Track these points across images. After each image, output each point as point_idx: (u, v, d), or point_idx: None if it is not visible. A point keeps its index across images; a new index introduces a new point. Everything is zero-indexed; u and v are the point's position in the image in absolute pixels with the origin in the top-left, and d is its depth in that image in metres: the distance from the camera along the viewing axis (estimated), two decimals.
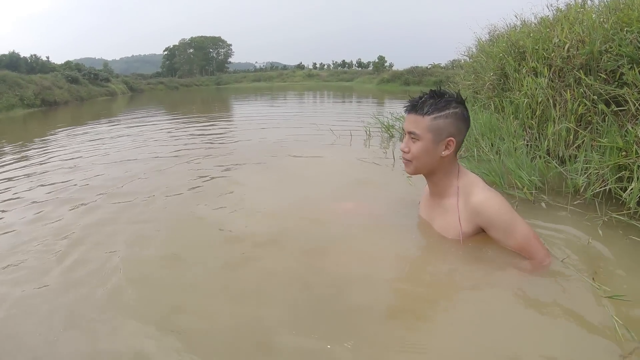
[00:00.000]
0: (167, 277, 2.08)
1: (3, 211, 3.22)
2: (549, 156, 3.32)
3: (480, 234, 2.05)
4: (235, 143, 6.21)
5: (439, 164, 2.06)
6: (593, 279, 1.77)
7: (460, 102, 2.02)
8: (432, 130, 1.97)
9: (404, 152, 2.07)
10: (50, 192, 3.67)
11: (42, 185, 3.97)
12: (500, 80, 4.77)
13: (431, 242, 2.20)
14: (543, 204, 2.71)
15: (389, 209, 2.72)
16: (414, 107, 2.00)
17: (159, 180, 3.91)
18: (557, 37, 3.65)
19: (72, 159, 5.36)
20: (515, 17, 5.59)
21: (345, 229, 2.48)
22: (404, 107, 2.08)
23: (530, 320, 1.58)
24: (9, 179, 4.35)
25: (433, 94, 2.00)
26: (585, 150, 2.96)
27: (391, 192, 3.22)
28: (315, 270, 2.04)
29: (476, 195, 1.98)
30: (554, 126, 3.36)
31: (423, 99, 2.00)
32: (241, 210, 2.90)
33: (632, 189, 2.44)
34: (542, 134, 3.55)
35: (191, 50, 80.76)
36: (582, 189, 2.74)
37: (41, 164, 5.12)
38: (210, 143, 6.32)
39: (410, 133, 2.02)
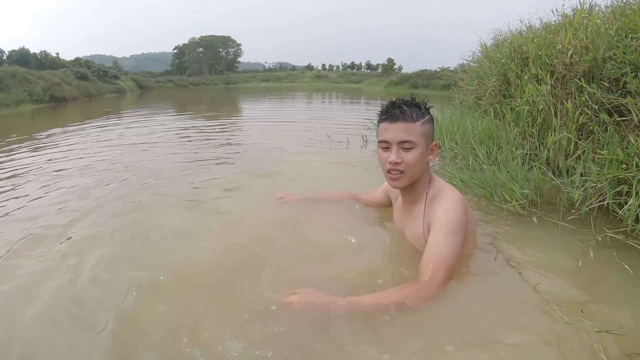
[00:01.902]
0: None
1: None
2: (549, 167, 3.18)
3: None
4: (228, 146, 6.16)
5: (424, 170, 1.99)
6: (581, 310, 1.62)
7: (428, 108, 1.98)
8: (424, 135, 1.91)
9: (396, 163, 1.91)
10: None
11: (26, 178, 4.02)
12: (502, 87, 4.64)
13: (400, 255, 2.10)
14: (534, 219, 2.57)
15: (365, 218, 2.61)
16: (403, 114, 1.89)
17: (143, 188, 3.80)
18: (561, 43, 3.51)
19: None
20: (520, 22, 5.45)
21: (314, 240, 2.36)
22: (383, 116, 1.96)
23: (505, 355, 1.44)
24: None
25: (410, 102, 1.94)
26: (585, 162, 2.82)
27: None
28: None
29: (440, 199, 1.90)
30: (554, 135, 3.23)
31: (405, 106, 1.91)
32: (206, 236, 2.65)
33: (630, 205, 2.29)
34: (542, 143, 3.42)
35: (201, 49, 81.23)
36: (577, 204, 2.59)
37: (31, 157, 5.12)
38: (205, 143, 6.31)
39: (403, 142, 1.89)
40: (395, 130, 1.89)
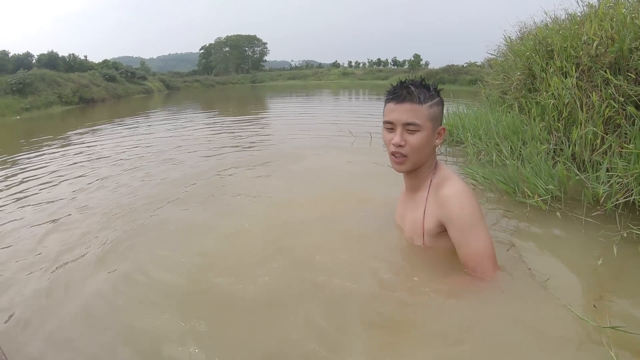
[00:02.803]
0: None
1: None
2: (574, 162, 3.11)
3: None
4: (252, 142, 6.28)
5: (429, 155, 1.93)
6: (594, 306, 1.57)
7: (438, 90, 1.91)
8: (431, 118, 1.84)
9: (399, 146, 1.85)
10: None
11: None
12: (527, 80, 4.55)
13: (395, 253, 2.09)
14: (558, 214, 2.50)
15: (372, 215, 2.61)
16: (410, 95, 1.81)
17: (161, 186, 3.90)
18: (586, 34, 3.42)
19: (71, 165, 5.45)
20: (545, 13, 5.33)
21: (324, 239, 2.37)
22: (390, 95, 1.89)
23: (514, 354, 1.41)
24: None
25: (419, 84, 1.87)
26: (611, 157, 2.74)
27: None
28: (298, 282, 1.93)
29: (446, 188, 1.83)
30: (580, 129, 3.14)
31: (413, 87, 1.84)
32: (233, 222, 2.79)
33: None
34: (568, 138, 3.33)
35: (227, 49, 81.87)
36: (602, 199, 2.51)
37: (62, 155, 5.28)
38: (230, 139, 6.40)
39: (408, 124, 1.82)
40: (401, 111, 1.83)
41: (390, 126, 1.89)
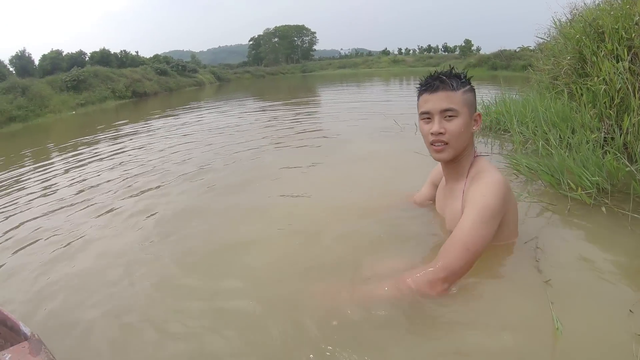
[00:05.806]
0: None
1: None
2: (626, 151, 2.92)
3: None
4: (298, 131, 6.36)
5: (468, 142, 1.90)
6: (630, 310, 1.45)
7: (468, 79, 1.90)
8: (467, 104, 1.83)
9: (440, 134, 1.83)
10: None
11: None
12: (578, 65, 4.32)
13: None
14: (603, 209, 2.34)
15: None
16: (443, 84, 1.81)
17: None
18: (638, 14, 3.20)
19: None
20: None
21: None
22: (423, 87, 1.89)
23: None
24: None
25: (449, 73, 1.86)
26: None
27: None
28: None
29: (483, 178, 1.79)
30: (633, 117, 2.95)
31: (444, 75, 1.84)
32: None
33: None
34: (619, 126, 3.14)
35: (276, 39, 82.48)
36: None
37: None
38: (279, 129, 6.67)
39: (445, 111, 1.81)
40: (436, 100, 1.82)
41: (426, 116, 1.89)
